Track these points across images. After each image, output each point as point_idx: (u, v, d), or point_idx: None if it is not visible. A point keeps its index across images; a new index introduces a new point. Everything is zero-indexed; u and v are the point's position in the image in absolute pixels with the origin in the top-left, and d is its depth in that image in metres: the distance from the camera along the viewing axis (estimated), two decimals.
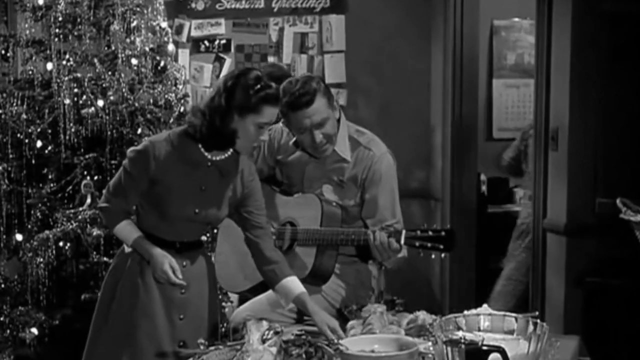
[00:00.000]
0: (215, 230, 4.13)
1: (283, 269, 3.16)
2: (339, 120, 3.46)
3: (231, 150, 3.05)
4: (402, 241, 3.18)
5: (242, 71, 3.00)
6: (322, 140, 3.36)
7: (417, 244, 3.17)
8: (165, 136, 3.04)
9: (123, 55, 4.33)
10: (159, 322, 3.03)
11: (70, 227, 4.17)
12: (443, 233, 3.16)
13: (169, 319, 3.05)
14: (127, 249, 3.08)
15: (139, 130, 4.27)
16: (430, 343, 2.71)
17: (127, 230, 3.07)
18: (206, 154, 3.02)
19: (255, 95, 2.92)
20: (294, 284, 3.14)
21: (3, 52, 4.48)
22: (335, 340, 2.83)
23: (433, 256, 3.25)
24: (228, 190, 3.09)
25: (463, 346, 2.26)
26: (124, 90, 4.31)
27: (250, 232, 3.19)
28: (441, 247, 3.15)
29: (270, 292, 3.41)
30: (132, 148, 3.09)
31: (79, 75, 4.32)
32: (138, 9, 4.43)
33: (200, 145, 3.01)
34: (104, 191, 3.14)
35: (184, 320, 3.07)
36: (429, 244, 3.15)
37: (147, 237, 3.05)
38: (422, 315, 3.02)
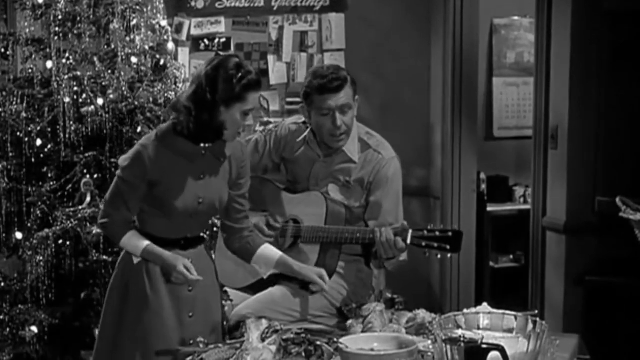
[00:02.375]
0: (215, 229, 4.13)
1: (256, 240, 3.21)
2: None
3: None
4: (409, 240, 3.18)
5: (221, 61, 2.96)
6: (342, 125, 3.36)
7: (423, 243, 3.17)
8: (154, 137, 3.02)
9: (123, 53, 4.33)
10: (169, 322, 3.03)
11: (70, 225, 4.17)
12: (450, 234, 3.16)
13: (178, 318, 3.04)
14: (136, 260, 3.06)
15: (139, 129, 4.27)
16: (429, 341, 2.72)
17: (133, 241, 3.05)
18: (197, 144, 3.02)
19: (239, 83, 2.90)
20: (270, 250, 3.20)
21: (3, 50, 4.47)
22: (324, 287, 3.11)
23: (439, 256, 3.25)
24: (225, 172, 3.10)
25: (462, 344, 2.26)
26: (123, 88, 4.31)
27: (232, 216, 3.19)
28: (448, 247, 3.15)
29: (269, 290, 3.41)
30: (123, 157, 3.06)
31: (78, 73, 4.31)
32: (138, 8, 4.42)
33: (190, 141, 3.00)
34: (101, 207, 3.13)
35: (193, 317, 3.07)
36: (435, 244, 3.15)
37: (150, 239, 3.05)
38: (422, 314, 3.02)
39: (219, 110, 2.93)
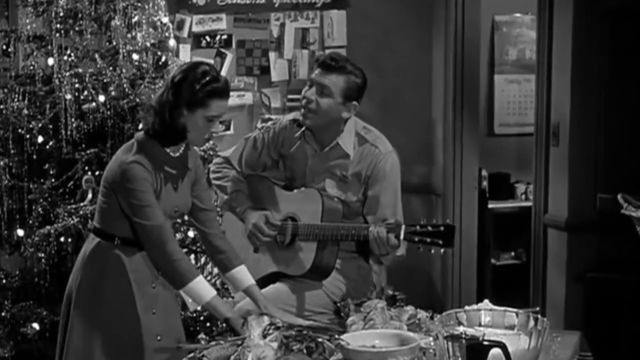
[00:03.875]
0: None
1: (231, 259, 3.20)
2: (345, 120, 3.45)
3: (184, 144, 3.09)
4: (402, 236, 3.17)
5: (190, 66, 3.02)
6: (309, 98, 3.36)
7: (416, 239, 3.16)
8: (135, 149, 3.00)
9: (124, 50, 4.33)
10: (138, 317, 3.04)
11: (72, 222, 4.17)
12: (442, 228, 3.15)
13: (144, 313, 3.06)
14: (193, 307, 3.09)
15: (140, 126, 4.27)
16: (430, 338, 2.72)
17: (202, 286, 3.02)
18: (168, 151, 3.05)
19: (202, 89, 2.94)
20: (243, 274, 3.19)
21: (4, 47, 4.47)
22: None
23: (432, 251, 3.24)
24: (189, 179, 3.15)
25: (464, 341, 2.27)
26: (125, 85, 4.31)
27: (196, 215, 3.22)
28: (440, 242, 3.14)
29: (270, 287, 3.41)
30: (129, 176, 2.97)
31: (80, 70, 4.32)
32: (139, 4, 4.42)
33: (159, 143, 3.03)
34: (145, 238, 3.01)
35: (156, 314, 3.08)
36: (428, 240, 3.15)
37: (123, 241, 3.06)
38: (411, 311, 3.03)
39: (182, 113, 2.96)
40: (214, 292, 3.06)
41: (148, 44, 4.44)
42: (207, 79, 2.95)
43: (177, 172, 3.08)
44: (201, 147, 3.14)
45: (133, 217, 2.99)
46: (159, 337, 3.05)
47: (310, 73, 3.46)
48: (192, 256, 4.30)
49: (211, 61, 5.49)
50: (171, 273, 3.03)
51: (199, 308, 3.15)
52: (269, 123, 3.67)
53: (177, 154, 3.08)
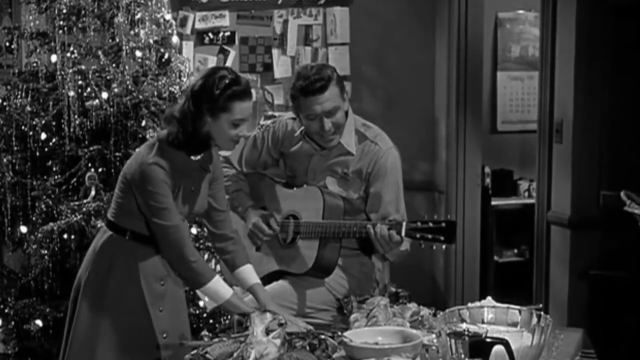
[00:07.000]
0: None
1: (236, 258, 3.22)
2: (347, 113, 3.44)
3: None
4: (403, 233, 3.17)
5: (208, 73, 3.00)
6: (331, 128, 3.34)
7: (417, 235, 3.15)
8: (156, 151, 3.00)
9: (127, 47, 4.33)
10: (145, 313, 3.05)
11: (75, 219, 4.18)
12: (444, 224, 3.14)
13: (152, 310, 3.06)
14: (211, 306, 3.09)
15: (143, 123, 4.28)
16: (433, 335, 2.72)
17: (219, 288, 3.05)
18: (190, 157, 3.05)
19: (222, 94, 2.92)
20: (247, 273, 3.20)
21: (7, 44, 4.48)
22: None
23: (435, 247, 3.24)
24: (207, 180, 3.14)
25: (467, 338, 2.27)
26: (128, 82, 4.31)
27: (209, 214, 3.21)
28: (442, 238, 3.14)
29: (273, 284, 3.42)
30: (149, 177, 2.97)
31: (83, 67, 4.32)
32: (142, 1, 4.42)
33: (183, 151, 3.03)
34: (163, 241, 3.02)
35: (163, 312, 3.08)
36: (430, 236, 3.14)
37: (134, 235, 3.06)
38: (414, 308, 3.03)
39: (205, 121, 2.95)
40: (232, 291, 3.07)
41: (151, 41, 4.44)
42: (226, 82, 2.93)
43: (196, 174, 3.08)
44: (230, 150, 3.12)
45: (151, 217, 3.00)
46: (164, 335, 3.04)
47: (300, 101, 3.34)
48: None
49: (214, 58, 5.51)
50: (189, 274, 3.05)
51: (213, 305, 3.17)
52: (269, 122, 3.67)
53: (198, 157, 3.06)
